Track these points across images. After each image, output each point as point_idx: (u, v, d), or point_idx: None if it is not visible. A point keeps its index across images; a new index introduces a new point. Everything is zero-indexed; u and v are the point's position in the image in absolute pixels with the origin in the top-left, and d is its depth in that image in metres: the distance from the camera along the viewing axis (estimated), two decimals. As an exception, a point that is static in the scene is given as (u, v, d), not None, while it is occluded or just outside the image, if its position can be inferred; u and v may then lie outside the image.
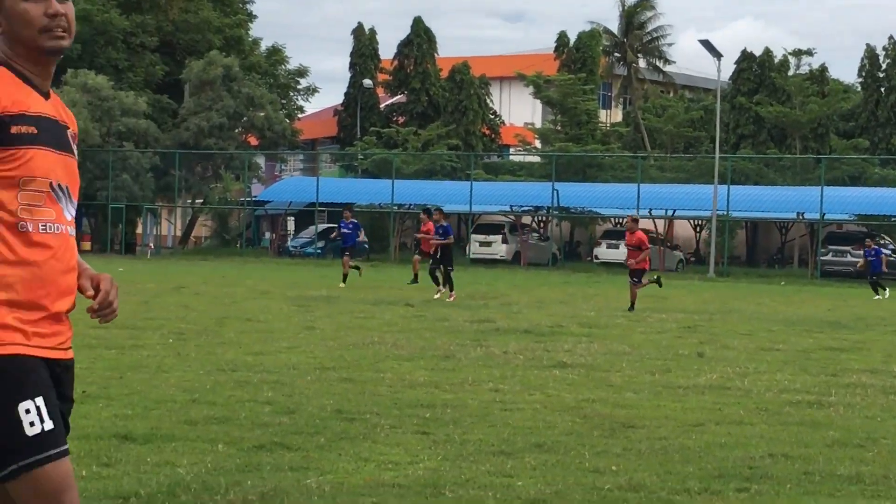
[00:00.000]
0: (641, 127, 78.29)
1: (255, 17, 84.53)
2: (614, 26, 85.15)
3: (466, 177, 65.53)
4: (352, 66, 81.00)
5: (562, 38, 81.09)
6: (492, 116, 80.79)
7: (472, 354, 16.94)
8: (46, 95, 4.16)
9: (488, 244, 64.27)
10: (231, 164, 70.07)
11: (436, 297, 30.78)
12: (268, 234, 76.16)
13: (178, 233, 73.72)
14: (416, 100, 78.01)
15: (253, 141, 74.57)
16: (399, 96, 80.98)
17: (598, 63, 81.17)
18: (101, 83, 65.96)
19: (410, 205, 65.86)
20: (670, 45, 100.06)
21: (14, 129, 3.97)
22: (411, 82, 78.32)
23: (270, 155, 77.32)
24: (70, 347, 4.19)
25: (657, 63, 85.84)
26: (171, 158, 68.32)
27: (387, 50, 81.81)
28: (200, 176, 70.64)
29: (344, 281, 35.83)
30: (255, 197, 72.97)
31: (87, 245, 68.34)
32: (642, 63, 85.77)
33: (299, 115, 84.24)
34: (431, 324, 22.33)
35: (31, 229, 4.01)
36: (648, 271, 31.37)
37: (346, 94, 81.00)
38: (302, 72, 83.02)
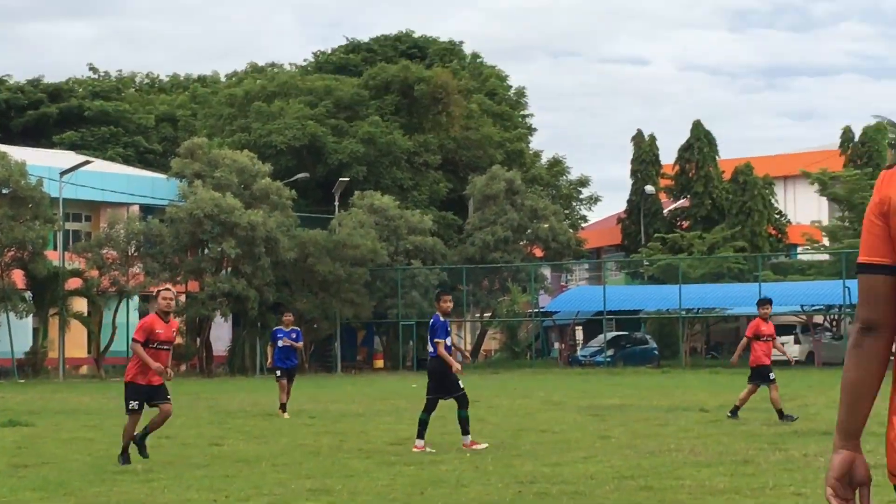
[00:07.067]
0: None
1: (535, 129, 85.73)
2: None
3: (754, 279, 64.56)
4: (633, 172, 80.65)
5: (846, 133, 79.09)
6: (777, 216, 79.26)
7: (771, 458, 16.63)
8: None
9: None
10: (517, 276, 70.80)
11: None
12: (556, 345, 76.36)
13: (469, 347, 74.50)
14: (700, 203, 77.04)
15: (538, 252, 75.27)
16: (682, 200, 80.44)
17: (884, 157, 79.08)
18: (388, 203, 67.76)
19: (698, 309, 65.61)
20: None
21: None
22: (694, 186, 77.47)
23: (556, 266, 77.72)
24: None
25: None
26: (458, 274, 69.38)
27: (667, 155, 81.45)
28: (488, 290, 71.54)
29: None
30: (542, 308, 73.39)
31: (379, 363, 69.78)
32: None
33: (583, 225, 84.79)
34: (729, 428, 22.04)
35: None
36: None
37: (628, 201, 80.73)
38: (583, 181, 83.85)
